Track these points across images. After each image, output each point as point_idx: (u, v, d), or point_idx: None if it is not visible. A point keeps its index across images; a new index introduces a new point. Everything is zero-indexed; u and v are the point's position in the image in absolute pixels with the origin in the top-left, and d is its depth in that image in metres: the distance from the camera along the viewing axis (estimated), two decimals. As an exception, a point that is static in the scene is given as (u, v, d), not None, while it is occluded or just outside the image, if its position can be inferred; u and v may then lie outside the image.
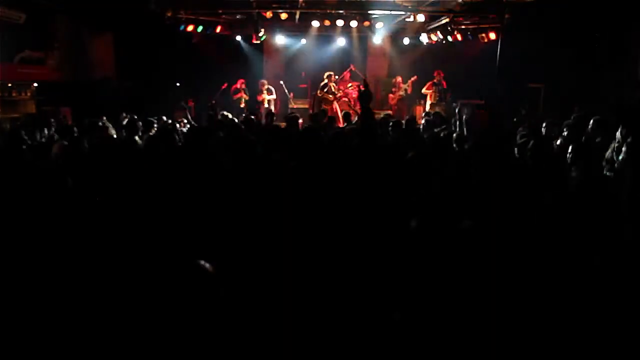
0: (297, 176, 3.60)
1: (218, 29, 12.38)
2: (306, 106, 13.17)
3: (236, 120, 8.00)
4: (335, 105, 12.06)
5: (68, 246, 2.73)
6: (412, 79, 12.88)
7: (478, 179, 3.47)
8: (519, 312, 2.67)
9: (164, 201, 3.39)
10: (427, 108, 11.88)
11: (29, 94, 10.05)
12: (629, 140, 3.69)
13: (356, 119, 9.12)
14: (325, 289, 2.73)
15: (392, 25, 12.76)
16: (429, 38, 12.90)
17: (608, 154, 4.65)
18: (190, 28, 11.86)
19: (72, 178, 3.37)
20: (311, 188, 3.41)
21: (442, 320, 2.59)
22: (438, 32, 12.22)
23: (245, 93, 12.18)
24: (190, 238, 2.95)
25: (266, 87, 12.37)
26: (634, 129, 3.84)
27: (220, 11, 11.64)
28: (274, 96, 12.43)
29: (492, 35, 11.54)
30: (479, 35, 11.92)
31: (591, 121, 5.75)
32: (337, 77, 12.47)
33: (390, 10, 11.46)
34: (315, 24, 12.12)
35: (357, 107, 12.42)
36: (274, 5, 11.10)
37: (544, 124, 6.66)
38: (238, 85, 12.13)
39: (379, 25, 12.34)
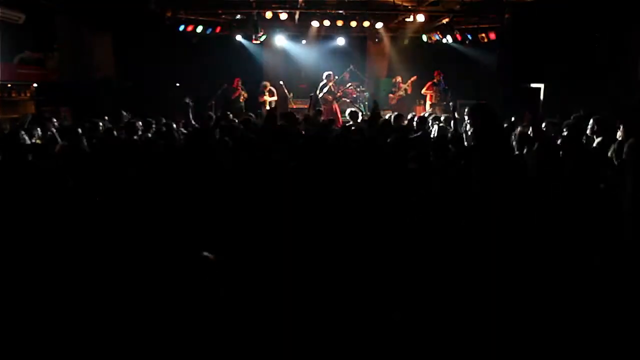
0: (297, 176, 3.60)
1: (218, 29, 12.38)
2: (306, 106, 13.16)
3: (236, 121, 7.99)
4: (335, 105, 12.05)
5: (70, 243, 2.73)
6: (412, 79, 12.88)
7: (477, 178, 3.46)
8: (518, 311, 2.67)
9: (165, 200, 3.39)
10: (427, 108, 11.87)
11: (28, 95, 10.05)
12: (630, 141, 3.68)
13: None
14: (325, 288, 2.73)
15: (392, 25, 12.77)
16: (429, 38, 12.89)
17: (610, 154, 4.65)
18: (190, 28, 11.86)
19: (73, 178, 3.37)
20: (311, 188, 3.40)
21: (442, 320, 2.59)
22: (438, 32, 12.21)
23: (243, 90, 12.16)
24: (190, 234, 2.94)
25: (268, 88, 12.35)
26: (636, 130, 3.83)
27: (220, 11, 11.63)
28: (275, 97, 12.42)
29: (492, 35, 11.54)
30: (479, 35, 11.92)
31: (591, 121, 5.75)
32: (336, 77, 12.46)
33: (390, 11, 11.46)
34: (315, 24, 12.12)
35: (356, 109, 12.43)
36: (273, 6, 11.09)
37: (543, 124, 6.66)
38: (235, 84, 12.11)
39: (378, 25, 12.34)
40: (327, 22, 11.87)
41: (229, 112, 9.33)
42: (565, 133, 5.67)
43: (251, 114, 10.01)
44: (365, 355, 2.45)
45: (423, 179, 3.75)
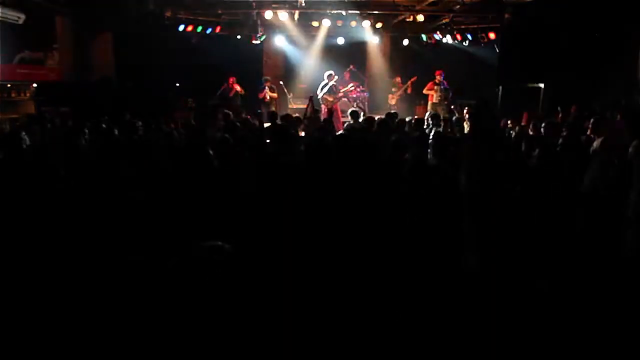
0: (297, 176, 3.60)
1: (218, 29, 12.38)
2: (305, 106, 13.16)
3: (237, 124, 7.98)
4: (336, 105, 12.05)
5: (72, 241, 2.74)
6: (412, 79, 12.88)
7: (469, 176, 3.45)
8: (518, 311, 2.67)
9: (165, 198, 3.39)
10: (429, 108, 11.88)
11: (28, 95, 10.05)
12: (635, 143, 3.67)
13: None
14: (326, 288, 2.73)
15: (392, 25, 12.79)
16: (429, 38, 12.90)
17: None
18: (190, 28, 11.86)
19: (72, 177, 3.37)
20: (310, 188, 3.40)
21: (443, 319, 2.59)
22: (438, 32, 12.22)
23: (239, 87, 12.10)
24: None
25: (269, 84, 12.32)
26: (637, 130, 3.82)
27: (220, 11, 11.63)
28: (275, 94, 12.37)
29: (492, 35, 11.54)
30: (479, 35, 11.93)
31: (591, 121, 5.75)
32: (336, 77, 12.47)
33: (390, 11, 11.47)
34: (315, 24, 12.12)
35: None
36: (273, 5, 11.10)
37: (542, 124, 6.66)
38: (230, 84, 12.06)
39: (378, 25, 12.35)
40: (327, 22, 11.87)
41: (229, 112, 9.32)
42: (565, 133, 5.68)
43: (248, 116, 10.02)
44: (366, 354, 2.45)
45: (421, 182, 3.74)
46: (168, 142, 5.60)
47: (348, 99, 12.56)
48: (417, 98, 13.25)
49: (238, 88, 12.02)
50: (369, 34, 13.17)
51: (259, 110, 11.69)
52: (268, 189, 3.41)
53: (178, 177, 3.78)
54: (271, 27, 12.58)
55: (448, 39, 12.06)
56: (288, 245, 2.74)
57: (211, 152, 4.13)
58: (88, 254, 2.69)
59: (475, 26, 11.98)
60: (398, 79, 13.27)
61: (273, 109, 11.92)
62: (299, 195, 3.15)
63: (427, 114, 10.38)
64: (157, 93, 11.31)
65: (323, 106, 12.05)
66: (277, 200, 3.20)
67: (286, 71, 14.31)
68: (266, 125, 8.34)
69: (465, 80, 12.05)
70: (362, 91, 13.14)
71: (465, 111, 9.24)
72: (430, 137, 5.41)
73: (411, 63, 13.89)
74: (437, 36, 12.41)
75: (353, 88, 12.75)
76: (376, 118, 7.41)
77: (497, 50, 11.60)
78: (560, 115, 7.78)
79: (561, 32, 9.88)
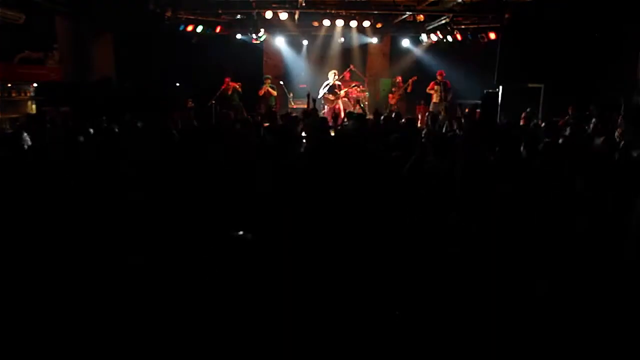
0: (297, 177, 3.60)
1: (218, 29, 12.38)
2: (306, 106, 13.16)
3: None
4: (338, 105, 12.07)
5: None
6: (412, 78, 12.89)
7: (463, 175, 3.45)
8: (518, 311, 2.67)
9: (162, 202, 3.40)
10: (431, 108, 11.90)
11: (28, 94, 10.04)
12: None
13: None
14: (326, 287, 2.73)
15: (392, 25, 12.78)
16: (429, 38, 12.90)
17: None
18: (190, 28, 11.85)
19: (72, 177, 3.37)
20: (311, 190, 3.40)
21: (442, 318, 2.58)
22: (438, 32, 12.22)
23: (235, 84, 12.07)
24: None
25: (270, 82, 12.31)
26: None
27: (220, 11, 11.63)
28: (275, 92, 12.35)
29: (492, 35, 11.54)
30: (479, 35, 11.92)
31: (592, 121, 5.76)
32: (339, 76, 12.48)
33: (390, 10, 11.47)
34: (315, 23, 12.12)
35: (357, 108, 12.43)
36: (273, 5, 11.09)
37: (542, 124, 6.67)
38: (225, 85, 12.04)
39: (379, 25, 12.35)
40: (327, 22, 11.87)
41: (229, 112, 9.32)
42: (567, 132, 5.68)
43: (249, 115, 10.03)
44: (366, 353, 2.45)
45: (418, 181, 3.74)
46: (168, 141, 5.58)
47: (348, 98, 12.57)
48: (417, 98, 13.26)
49: (236, 85, 12.01)
50: (370, 34, 13.18)
51: (257, 109, 11.69)
52: (269, 190, 3.41)
53: (177, 176, 3.79)
54: (271, 27, 12.57)
55: (448, 39, 12.05)
56: (291, 242, 2.74)
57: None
58: (88, 254, 2.69)
59: (476, 26, 11.99)
60: (398, 79, 13.28)
61: (273, 108, 11.92)
62: (298, 196, 3.15)
63: (427, 114, 10.42)
64: (157, 93, 11.31)
65: (326, 106, 12.08)
66: (278, 201, 3.20)
67: (286, 71, 14.31)
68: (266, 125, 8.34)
69: (465, 81, 12.04)
70: (362, 91, 13.15)
71: (466, 110, 9.27)
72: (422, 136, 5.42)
73: (411, 63, 13.90)
74: (437, 36, 12.40)
75: (353, 88, 12.76)
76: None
77: (498, 50, 11.59)
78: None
79: (561, 32, 9.87)
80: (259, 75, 13.09)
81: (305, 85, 13.91)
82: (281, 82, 12.81)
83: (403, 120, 7.49)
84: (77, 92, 10.40)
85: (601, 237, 2.92)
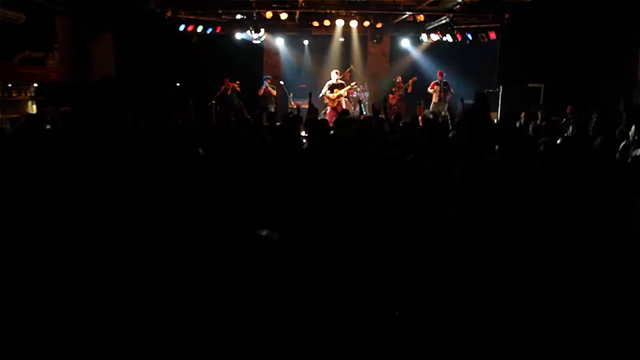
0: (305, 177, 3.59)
1: (218, 29, 12.38)
2: (306, 106, 13.15)
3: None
4: (340, 106, 12.08)
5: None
6: (412, 79, 12.89)
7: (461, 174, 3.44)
8: (518, 311, 2.67)
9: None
10: (431, 108, 11.91)
11: (29, 94, 10.04)
12: None
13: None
14: (326, 286, 2.72)
15: (392, 25, 12.78)
16: (429, 38, 12.90)
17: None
18: (190, 28, 11.86)
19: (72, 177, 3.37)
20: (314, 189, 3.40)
21: (442, 317, 2.58)
22: (438, 32, 12.22)
23: (233, 84, 12.07)
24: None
25: (270, 82, 12.31)
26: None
27: (220, 11, 11.63)
28: (275, 92, 12.35)
29: (492, 35, 11.54)
30: (479, 35, 11.92)
31: (593, 120, 5.76)
32: (341, 75, 12.48)
33: (391, 10, 11.47)
34: (316, 24, 12.12)
35: (357, 108, 12.44)
36: (273, 5, 11.09)
37: (544, 124, 6.66)
38: (224, 86, 12.05)
39: (379, 25, 12.35)
40: (327, 22, 11.87)
41: (229, 112, 9.33)
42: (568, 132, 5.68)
43: (249, 116, 10.02)
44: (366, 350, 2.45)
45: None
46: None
47: (349, 98, 12.57)
48: (417, 98, 13.25)
49: (234, 85, 12.02)
50: (369, 34, 13.18)
51: (256, 109, 11.69)
52: (269, 190, 3.41)
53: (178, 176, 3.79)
54: (271, 27, 12.58)
55: (448, 39, 12.05)
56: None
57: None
58: (88, 254, 2.69)
59: (476, 26, 11.98)
60: (398, 79, 13.28)
61: (272, 108, 11.93)
62: (297, 195, 3.15)
63: (426, 111, 10.43)
64: (157, 93, 11.31)
65: (328, 106, 12.08)
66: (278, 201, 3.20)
67: (286, 71, 14.30)
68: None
69: (465, 80, 12.04)
70: (362, 91, 13.15)
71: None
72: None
73: (411, 63, 13.90)
74: (438, 36, 12.40)
75: (354, 87, 12.76)
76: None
77: (497, 50, 11.60)
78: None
79: (561, 32, 9.88)
80: (259, 75, 13.09)
81: (305, 85, 13.91)
82: (281, 82, 12.81)
83: (402, 122, 7.46)
84: (77, 92, 10.40)
85: (602, 237, 2.92)
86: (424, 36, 12.91)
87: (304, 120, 7.72)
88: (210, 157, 4.68)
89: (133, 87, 10.90)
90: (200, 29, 12.01)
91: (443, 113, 9.98)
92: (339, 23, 11.79)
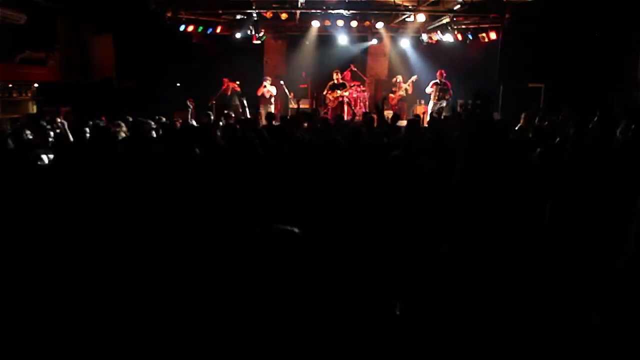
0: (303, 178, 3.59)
1: (218, 29, 12.40)
2: (307, 106, 13.18)
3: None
4: (343, 106, 12.11)
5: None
6: (413, 78, 12.89)
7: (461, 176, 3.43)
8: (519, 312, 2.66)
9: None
10: (430, 107, 11.91)
11: (29, 95, 10.07)
12: None
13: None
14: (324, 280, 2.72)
15: (392, 25, 12.79)
16: (430, 38, 12.90)
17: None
18: (190, 28, 11.87)
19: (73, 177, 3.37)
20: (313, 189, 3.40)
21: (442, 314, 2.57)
22: (438, 32, 12.22)
23: (234, 84, 12.09)
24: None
25: (269, 81, 12.32)
26: None
27: (221, 11, 11.64)
28: (274, 92, 12.35)
29: (493, 35, 11.55)
30: (480, 35, 11.93)
31: (595, 119, 5.76)
32: (342, 75, 12.50)
33: (391, 10, 11.47)
34: (316, 24, 12.13)
35: (358, 108, 12.46)
36: (274, 6, 11.10)
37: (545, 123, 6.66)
38: (225, 86, 12.06)
39: (379, 25, 12.36)
40: (327, 22, 11.88)
41: (230, 112, 9.33)
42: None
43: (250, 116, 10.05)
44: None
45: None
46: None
47: (349, 98, 12.59)
48: (417, 98, 13.26)
49: (234, 85, 12.03)
50: (370, 34, 13.19)
51: (258, 110, 11.70)
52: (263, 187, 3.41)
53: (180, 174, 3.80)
54: (272, 27, 12.58)
55: (449, 39, 12.06)
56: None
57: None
58: (88, 254, 2.70)
59: (476, 26, 11.99)
60: (398, 79, 13.28)
61: (271, 108, 11.92)
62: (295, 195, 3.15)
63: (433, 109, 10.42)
64: (157, 93, 11.33)
65: (329, 106, 12.10)
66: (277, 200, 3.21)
67: (287, 71, 14.31)
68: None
69: (466, 81, 12.04)
70: (363, 91, 13.16)
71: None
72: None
73: (411, 63, 13.91)
74: (438, 36, 12.41)
75: (354, 88, 12.78)
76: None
77: (498, 50, 11.60)
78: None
79: (562, 32, 9.88)
80: (260, 76, 13.11)
81: (306, 85, 13.92)
82: (282, 82, 12.82)
83: (399, 122, 7.47)
84: (78, 92, 10.43)
85: (602, 237, 2.92)
86: (424, 36, 12.91)
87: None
88: (208, 157, 4.69)
89: (132, 88, 10.93)
90: (200, 29, 12.02)
91: (444, 113, 9.99)
92: (339, 23, 11.80)
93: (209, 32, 12.30)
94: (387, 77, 14.40)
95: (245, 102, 11.98)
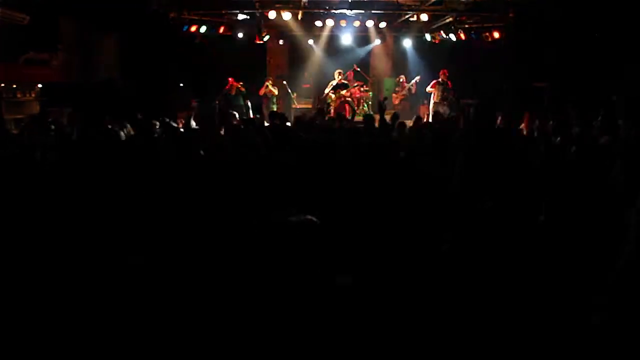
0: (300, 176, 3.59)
1: (221, 30, 12.40)
2: (309, 106, 13.17)
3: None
4: (347, 104, 12.09)
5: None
6: (416, 78, 12.85)
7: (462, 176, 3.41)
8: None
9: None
10: (431, 107, 11.87)
11: (33, 95, 10.09)
12: None
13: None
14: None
15: (396, 25, 12.76)
16: (433, 37, 12.87)
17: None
18: (193, 28, 11.88)
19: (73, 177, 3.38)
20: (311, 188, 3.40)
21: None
22: (442, 32, 12.19)
23: (239, 84, 12.10)
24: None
25: (271, 81, 12.32)
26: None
27: (224, 11, 11.65)
28: (276, 91, 12.34)
29: (496, 34, 11.51)
30: (483, 35, 11.89)
31: (598, 119, 5.73)
32: (344, 75, 12.48)
33: (394, 10, 11.45)
34: (318, 23, 12.12)
35: (360, 108, 12.44)
36: (277, 5, 11.10)
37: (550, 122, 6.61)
38: (230, 83, 12.06)
39: (382, 24, 12.34)
40: (330, 22, 11.86)
41: (234, 112, 9.32)
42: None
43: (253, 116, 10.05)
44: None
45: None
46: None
47: (352, 98, 12.57)
48: (420, 98, 13.22)
49: (238, 85, 12.03)
50: (373, 34, 13.17)
51: (257, 116, 11.68)
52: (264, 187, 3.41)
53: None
54: (275, 27, 12.58)
55: (452, 38, 12.03)
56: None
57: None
58: (88, 254, 2.70)
59: (480, 25, 11.95)
60: (402, 79, 13.25)
61: (275, 108, 11.93)
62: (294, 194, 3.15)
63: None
64: (161, 93, 11.34)
65: (331, 106, 12.08)
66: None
67: (290, 71, 14.31)
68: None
69: (469, 80, 12.01)
70: (366, 91, 13.14)
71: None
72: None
73: (415, 63, 13.88)
74: (441, 35, 12.37)
75: (356, 88, 12.75)
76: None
77: (501, 50, 11.56)
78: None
79: (565, 31, 9.83)
80: (263, 75, 13.11)
81: (308, 85, 13.91)
82: (284, 82, 12.81)
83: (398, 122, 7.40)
84: (82, 93, 10.44)
85: (603, 237, 2.90)
86: (427, 36, 12.88)
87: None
88: (213, 158, 4.70)
89: (136, 88, 10.95)
90: (203, 29, 12.03)
91: (445, 113, 9.95)
92: (342, 23, 11.78)
93: (212, 32, 12.31)
94: (390, 77, 14.37)
95: (249, 103, 11.99)
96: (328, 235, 2.11)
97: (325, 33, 13.08)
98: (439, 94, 11.74)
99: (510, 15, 10.75)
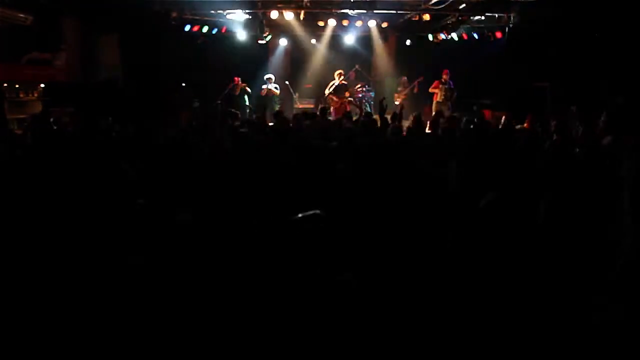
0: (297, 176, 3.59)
1: (223, 30, 12.40)
2: (312, 106, 13.17)
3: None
4: (347, 104, 12.08)
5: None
6: (419, 79, 12.83)
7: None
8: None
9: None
10: (433, 107, 11.84)
11: (36, 95, 10.13)
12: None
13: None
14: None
15: (398, 25, 12.74)
16: (435, 37, 12.85)
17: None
18: (195, 28, 11.89)
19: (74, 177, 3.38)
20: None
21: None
22: (444, 32, 12.17)
23: (243, 84, 12.08)
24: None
25: (272, 82, 12.31)
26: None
27: (226, 12, 11.65)
28: (277, 91, 12.33)
29: (498, 35, 11.49)
30: (485, 35, 11.87)
31: (601, 119, 5.71)
32: (345, 75, 12.47)
33: (396, 10, 11.44)
34: (321, 23, 12.11)
35: (362, 108, 12.42)
36: (279, 5, 11.09)
37: (553, 123, 6.60)
38: (235, 82, 12.05)
39: (384, 24, 12.32)
40: (332, 22, 11.86)
41: (236, 112, 9.32)
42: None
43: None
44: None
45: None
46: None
47: (354, 98, 12.55)
48: (423, 98, 13.18)
49: (244, 85, 12.02)
50: (375, 34, 13.15)
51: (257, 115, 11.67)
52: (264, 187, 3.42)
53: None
54: (277, 27, 12.57)
55: (454, 38, 12.01)
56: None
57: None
58: (88, 254, 2.70)
59: (482, 25, 11.93)
60: (404, 79, 13.22)
61: (277, 107, 11.92)
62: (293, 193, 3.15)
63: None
64: (163, 93, 11.36)
65: (332, 106, 12.06)
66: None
67: (292, 71, 14.30)
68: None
69: (471, 80, 11.98)
70: (368, 91, 13.12)
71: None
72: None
73: (417, 62, 13.85)
74: (443, 35, 12.35)
75: (360, 88, 12.74)
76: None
77: (504, 50, 11.55)
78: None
79: (567, 31, 9.81)
80: (265, 76, 13.11)
81: (310, 85, 13.90)
82: (287, 82, 12.80)
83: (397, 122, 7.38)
84: (84, 93, 10.46)
85: (604, 237, 2.89)
86: (430, 36, 12.86)
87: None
88: (214, 157, 4.71)
89: (138, 88, 10.96)
90: (205, 29, 12.03)
91: (447, 113, 9.94)
92: (345, 23, 11.78)
93: (214, 32, 12.31)
94: (393, 77, 14.34)
95: (252, 103, 12.00)
96: (333, 229, 2.12)
97: (328, 33, 13.07)
98: (442, 94, 11.73)
99: (512, 15, 10.73)
